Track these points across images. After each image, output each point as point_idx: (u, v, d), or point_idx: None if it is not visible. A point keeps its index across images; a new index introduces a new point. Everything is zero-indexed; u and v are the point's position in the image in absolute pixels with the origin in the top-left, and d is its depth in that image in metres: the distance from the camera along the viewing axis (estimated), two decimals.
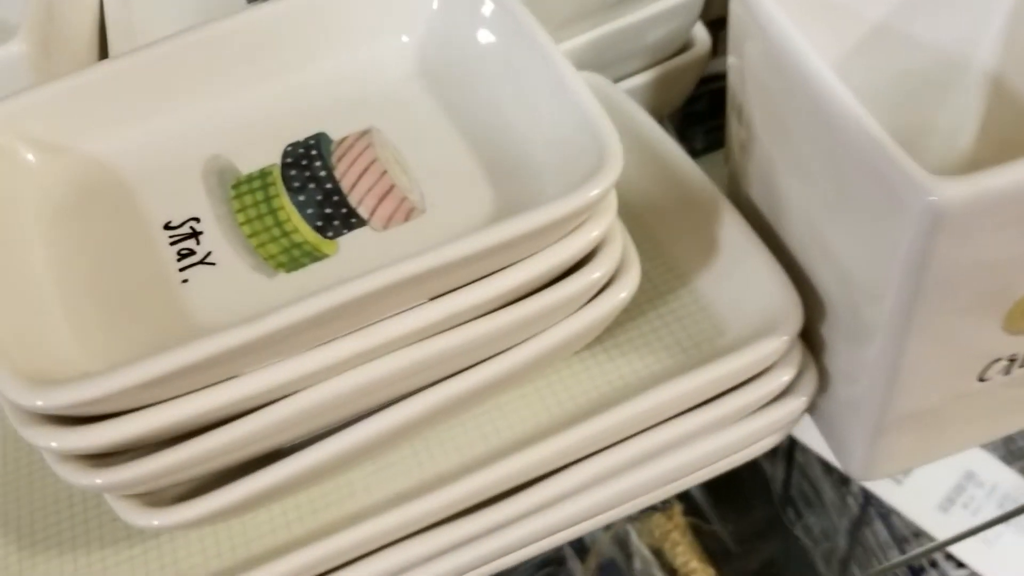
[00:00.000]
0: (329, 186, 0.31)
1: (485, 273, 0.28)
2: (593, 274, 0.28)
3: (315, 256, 0.29)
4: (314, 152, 0.32)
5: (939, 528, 0.45)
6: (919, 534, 0.42)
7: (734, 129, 0.35)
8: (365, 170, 0.31)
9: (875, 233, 0.27)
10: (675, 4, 0.41)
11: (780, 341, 0.31)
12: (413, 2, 0.33)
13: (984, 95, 0.35)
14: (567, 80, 0.29)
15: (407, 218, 0.30)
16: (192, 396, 0.26)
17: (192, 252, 0.30)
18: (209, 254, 0.30)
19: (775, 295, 0.32)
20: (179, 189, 0.31)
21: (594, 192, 0.27)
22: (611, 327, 0.33)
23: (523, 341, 0.29)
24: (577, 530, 0.33)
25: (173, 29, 0.32)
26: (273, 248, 0.30)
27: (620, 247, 0.29)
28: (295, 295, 0.28)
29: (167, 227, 0.31)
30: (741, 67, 0.32)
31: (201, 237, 0.30)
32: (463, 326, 0.28)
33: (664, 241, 0.36)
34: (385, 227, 0.30)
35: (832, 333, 0.32)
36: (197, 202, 0.31)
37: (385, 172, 0.31)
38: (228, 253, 0.30)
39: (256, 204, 0.31)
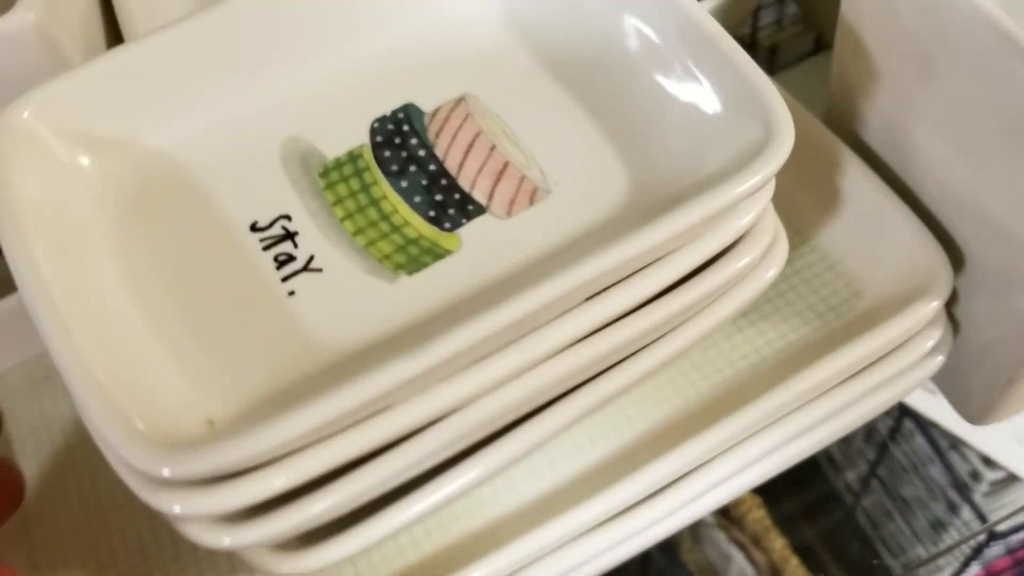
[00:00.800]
0: (433, 168, 0.28)
1: (643, 266, 0.25)
2: (743, 259, 0.26)
3: (437, 253, 0.26)
4: (406, 127, 0.28)
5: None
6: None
7: (845, 63, 0.32)
8: (470, 145, 0.28)
9: None
10: None
11: (930, 307, 0.29)
12: None
13: None
14: (711, 32, 0.26)
15: (532, 201, 0.27)
16: (340, 438, 0.23)
17: (291, 257, 0.26)
18: (312, 259, 0.26)
19: (918, 253, 0.30)
20: (259, 182, 0.27)
21: (763, 173, 0.24)
22: None
23: (671, 331, 0.27)
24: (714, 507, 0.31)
25: None
26: (386, 246, 0.26)
27: (773, 225, 0.26)
28: (428, 302, 0.25)
29: (255, 229, 0.27)
30: None
31: (297, 238, 0.27)
32: (618, 324, 0.25)
33: (775, 194, 0.33)
34: (509, 213, 0.27)
35: (967, 283, 0.30)
36: (283, 196, 0.27)
37: (494, 147, 0.28)
38: (334, 256, 0.26)
39: (353, 194, 0.27)
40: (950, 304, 0.31)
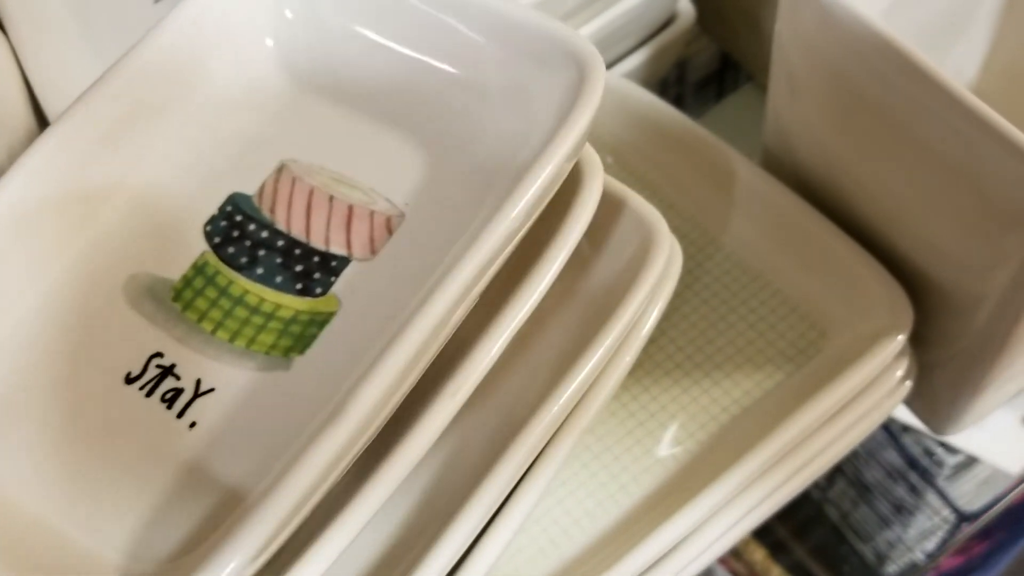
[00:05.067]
0: (282, 243, 0.26)
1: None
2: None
3: (320, 321, 0.25)
4: (239, 217, 0.27)
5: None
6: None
7: (780, 103, 0.32)
8: (309, 205, 0.27)
9: (988, 207, 0.25)
10: None
11: (896, 342, 0.29)
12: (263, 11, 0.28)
13: (987, 39, 0.34)
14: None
15: (390, 230, 0.26)
16: None
17: (178, 391, 0.24)
18: (199, 382, 0.25)
19: (874, 289, 0.30)
20: (115, 333, 0.26)
21: (589, 109, 0.23)
22: (704, 347, 0.31)
23: None
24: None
25: None
26: (268, 337, 0.25)
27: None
28: (334, 371, 0.24)
29: (130, 380, 0.25)
30: (796, 37, 0.29)
31: (176, 370, 0.25)
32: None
33: (725, 240, 0.33)
34: (373, 252, 0.25)
35: (925, 305, 0.30)
36: (145, 336, 0.25)
37: (332, 197, 0.26)
38: (220, 369, 0.25)
39: (214, 303, 0.26)
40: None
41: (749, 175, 0.33)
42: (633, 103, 0.35)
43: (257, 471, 0.23)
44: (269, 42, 0.28)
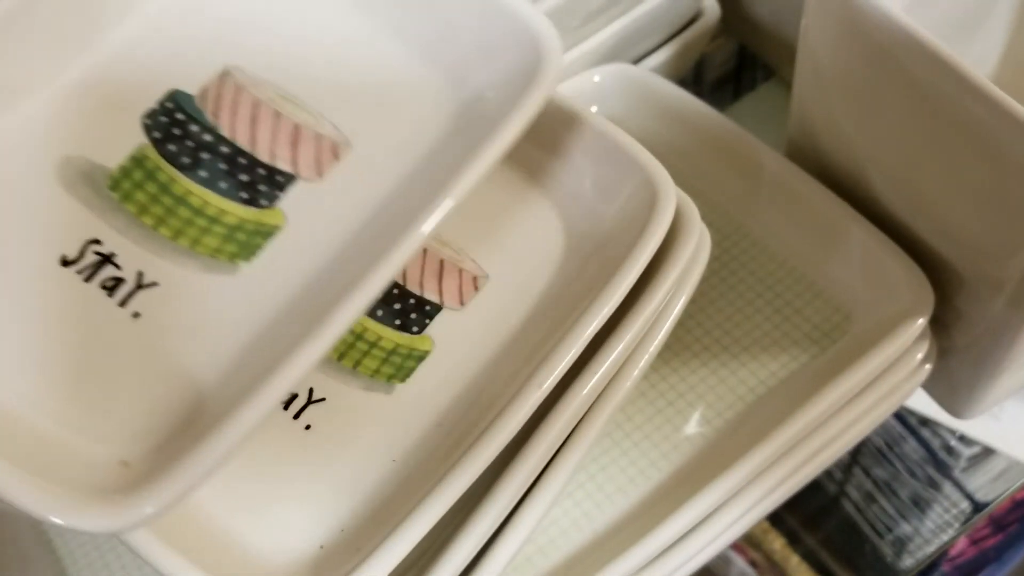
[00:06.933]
0: (226, 149, 0.27)
1: None
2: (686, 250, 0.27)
3: (266, 232, 0.26)
4: (180, 116, 0.27)
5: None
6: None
7: (806, 95, 0.33)
8: (254, 117, 0.28)
9: (1008, 194, 0.27)
10: None
11: (917, 325, 0.30)
12: None
13: (1006, 33, 0.35)
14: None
15: (337, 156, 0.27)
16: None
17: (120, 280, 0.25)
18: (141, 275, 0.25)
19: (896, 274, 0.31)
20: (49, 215, 0.26)
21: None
22: (732, 331, 0.32)
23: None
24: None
25: None
26: (212, 241, 0.26)
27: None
28: (280, 281, 0.25)
29: (66, 263, 0.25)
30: (823, 32, 0.30)
31: (116, 259, 0.26)
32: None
33: (752, 228, 0.35)
34: (320, 174, 0.27)
35: (946, 290, 0.31)
36: (82, 221, 0.26)
37: (279, 113, 0.28)
38: (163, 265, 0.26)
39: (155, 199, 0.26)
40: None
41: (774, 164, 0.34)
42: (660, 96, 0.37)
43: (208, 368, 0.24)
44: None
